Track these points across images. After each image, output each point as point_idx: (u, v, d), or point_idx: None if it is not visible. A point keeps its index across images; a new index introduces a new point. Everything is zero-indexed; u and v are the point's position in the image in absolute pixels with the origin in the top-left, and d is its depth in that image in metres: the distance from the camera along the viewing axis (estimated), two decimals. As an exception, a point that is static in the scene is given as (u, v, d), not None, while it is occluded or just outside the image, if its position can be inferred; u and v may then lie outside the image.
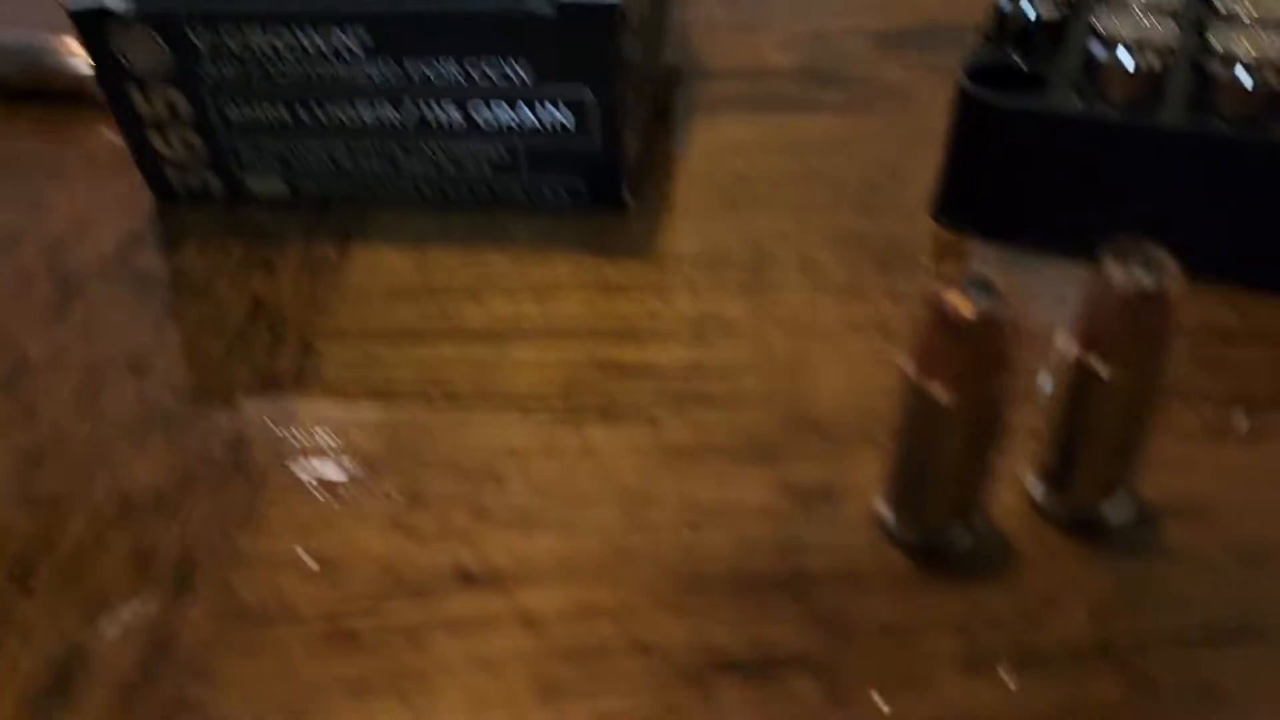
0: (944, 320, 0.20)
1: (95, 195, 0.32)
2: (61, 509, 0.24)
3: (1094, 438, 0.22)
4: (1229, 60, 0.27)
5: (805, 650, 0.21)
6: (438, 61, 0.29)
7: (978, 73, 0.30)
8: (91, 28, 0.29)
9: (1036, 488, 0.23)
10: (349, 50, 0.29)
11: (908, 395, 0.21)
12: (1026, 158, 0.29)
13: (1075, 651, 0.21)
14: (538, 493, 0.24)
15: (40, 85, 0.36)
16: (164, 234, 0.31)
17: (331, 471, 0.24)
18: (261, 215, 0.32)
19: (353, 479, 0.24)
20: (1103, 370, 0.21)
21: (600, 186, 0.31)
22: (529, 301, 0.28)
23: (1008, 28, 0.30)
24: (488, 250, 0.30)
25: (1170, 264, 0.20)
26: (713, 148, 0.34)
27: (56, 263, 0.30)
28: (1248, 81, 0.27)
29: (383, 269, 0.30)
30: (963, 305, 0.20)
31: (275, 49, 0.29)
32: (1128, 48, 0.27)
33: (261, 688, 0.21)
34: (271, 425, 0.25)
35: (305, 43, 0.29)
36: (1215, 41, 0.27)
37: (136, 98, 0.30)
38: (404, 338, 0.28)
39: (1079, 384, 0.21)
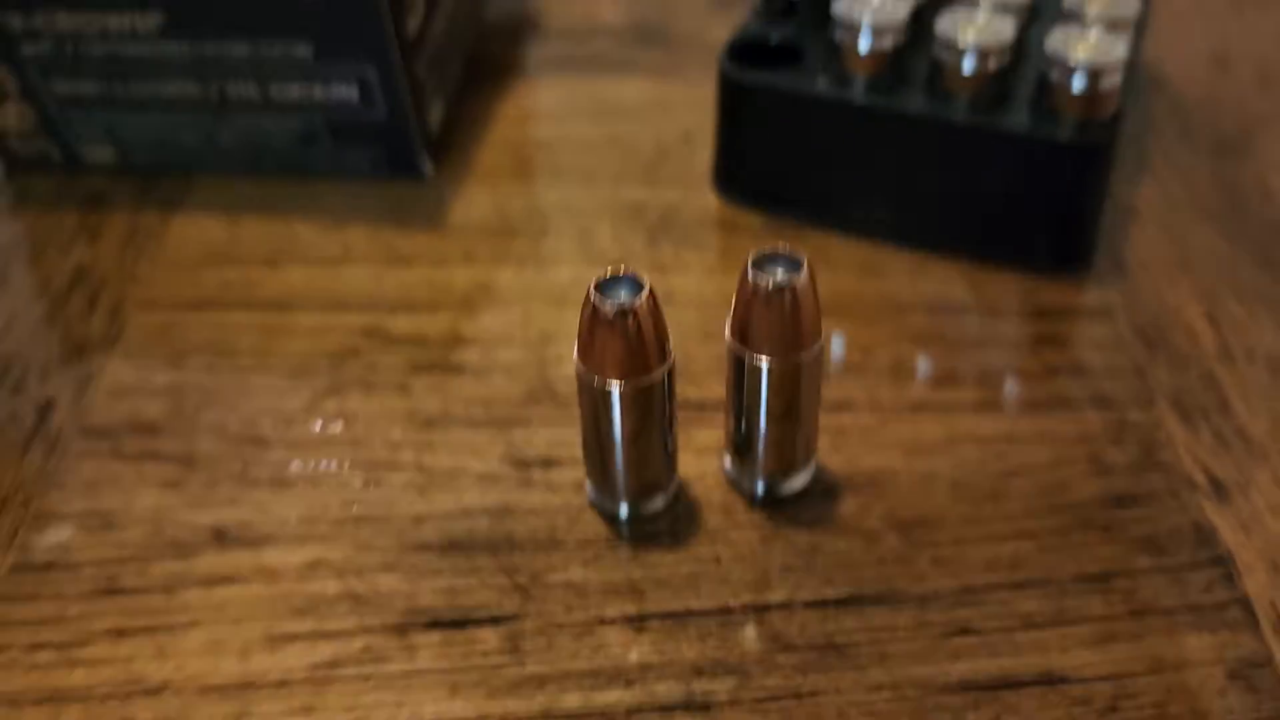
0: (597, 314, 0.21)
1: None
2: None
3: (763, 417, 0.24)
4: (952, 46, 0.28)
5: (497, 607, 0.23)
6: (229, 41, 0.30)
7: (743, 47, 0.31)
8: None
9: (727, 461, 0.25)
10: (148, 31, 0.30)
11: (582, 378, 0.23)
12: (778, 133, 0.30)
13: (725, 612, 0.23)
14: (293, 456, 0.26)
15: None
16: (6, 202, 0.33)
17: (121, 434, 0.26)
18: (98, 182, 0.33)
19: (138, 443, 0.26)
20: (751, 359, 0.22)
21: (398, 157, 0.32)
22: (320, 272, 0.30)
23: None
24: (296, 220, 0.32)
25: (806, 265, 0.22)
26: (523, 112, 0.35)
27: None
28: (970, 67, 0.28)
29: (199, 239, 0.31)
30: (605, 303, 0.21)
31: (82, 30, 0.30)
32: (869, 29, 0.28)
33: (40, 631, 0.23)
34: (74, 389, 0.27)
35: (110, 24, 0.30)
36: (942, 27, 0.28)
37: (-32, 83, 0.31)
38: (205, 305, 0.29)
39: (740, 371, 0.23)
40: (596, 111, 0.35)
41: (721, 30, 0.37)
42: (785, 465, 0.24)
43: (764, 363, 0.22)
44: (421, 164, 0.32)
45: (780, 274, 0.22)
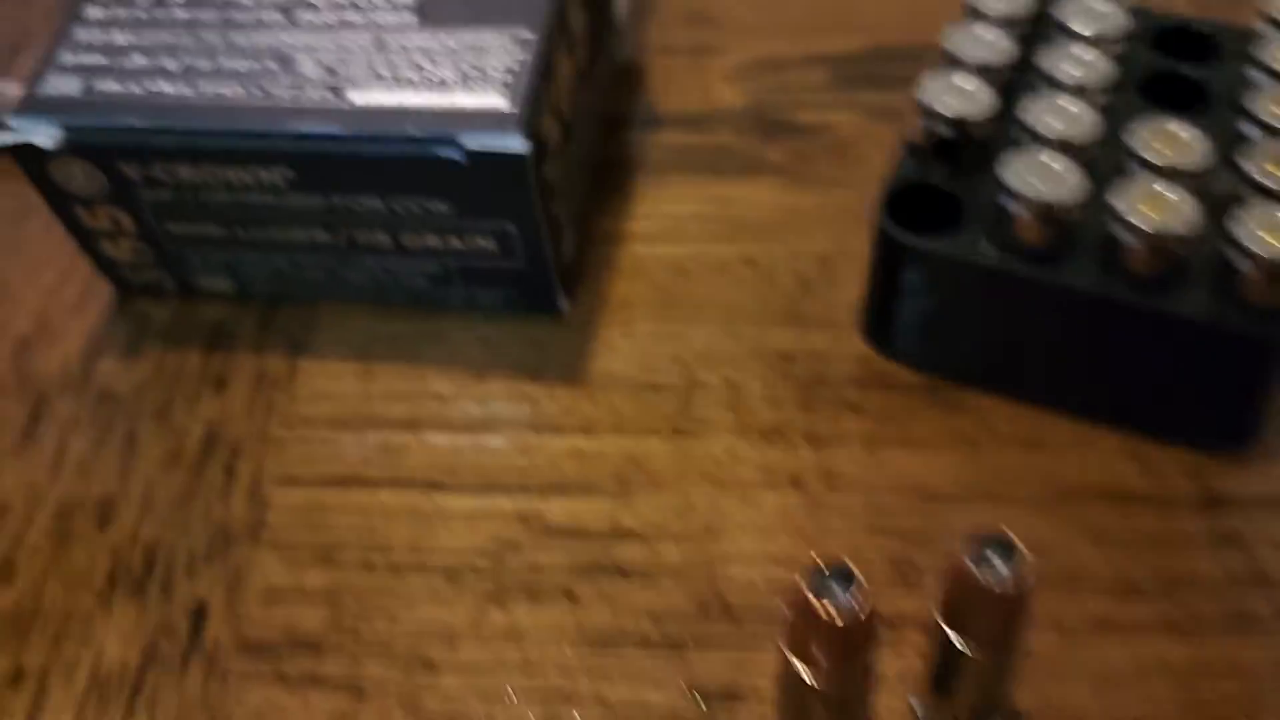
0: (813, 618, 0.20)
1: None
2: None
3: (961, 685, 0.23)
4: (1131, 227, 0.26)
5: None
6: (360, 196, 0.28)
7: (901, 193, 0.29)
8: (28, 159, 0.28)
9: (919, 708, 0.24)
10: (274, 184, 0.28)
11: (782, 667, 0.22)
12: (936, 294, 0.29)
13: None
14: (465, 685, 0.25)
15: None
16: (124, 333, 0.31)
17: (281, 651, 0.25)
18: (216, 311, 0.31)
19: (301, 663, 0.25)
20: (961, 646, 0.22)
21: (534, 296, 0.30)
22: (465, 441, 0.29)
23: (932, 136, 0.29)
24: (429, 369, 0.30)
25: (1025, 557, 0.20)
26: (651, 227, 0.33)
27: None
28: (1146, 247, 0.26)
29: (331, 390, 0.30)
30: (829, 608, 0.20)
31: (204, 181, 0.28)
32: (1041, 205, 0.26)
33: None
34: (225, 589, 0.26)
35: (232, 177, 0.27)
36: (1117, 201, 0.26)
37: (81, 213, 0.29)
38: (349, 483, 0.28)
39: (945, 649, 0.22)
40: (727, 226, 0.33)
41: (844, 117, 0.35)
42: (977, 709, 0.24)
43: (976, 652, 0.22)
44: (558, 302, 0.30)
45: (1003, 569, 0.20)
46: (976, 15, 0.30)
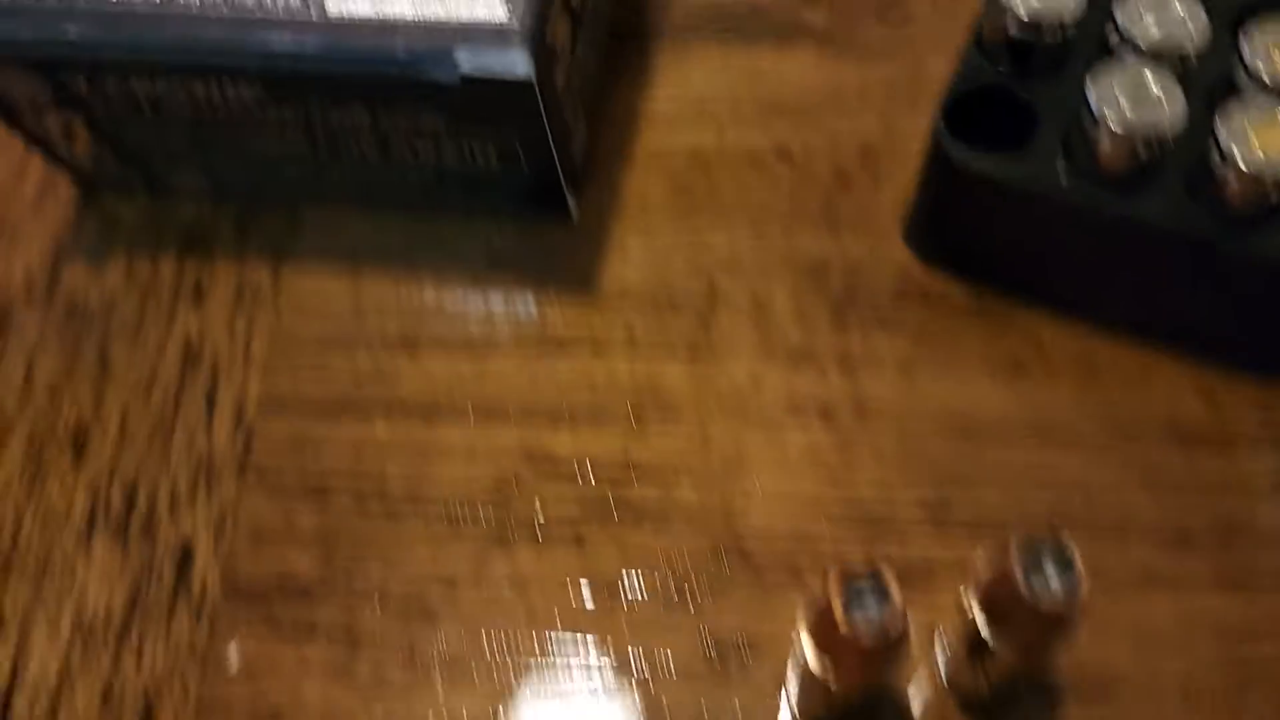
0: (837, 628, 0.18)
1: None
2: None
3: (989, 668, 0.21)
4: (1235, 163, 0.22)
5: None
6: (342, 109, 0.24)
7: (960, 101, 0.25)
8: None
9: (947, 668, 0.23)
10: (242, 100, 0.24)
11: (801, 661, 0.20)
12: (998, 214, 0.25)
13: None
14: (466, 635, 0.23)
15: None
16: (90, 238, 0.28)
17: (273, 598, 0.24)
18: (189, 212, 0.28)
19: (294, 610, 0.24)
20: (993, 644, 0.20)
21: (540, 203, 0.27)
22: (465, 364, 0.26)
23: (1004, 33, 0.25)
24: (427, 280, 0.27)
25: (1081, 576, 0.18)
26: (674, 108, 0.29)
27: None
28: (1251, 186, 0.22)
29: (318, 304, 0.27)
30: (856, 626, 0.18)
31: (162, 95, 0.24)
32: (1131, 130, 0.23)
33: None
34: (213, 536, 0.24)
35: (198, 91, 0.24)
36: (1224, 129, 0.22)
37: (28, 118, 0.26)
38: (340, 411, 0.26)
39: (975, 637, 0.20)
40: (757, 108, 0.29)
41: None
42: (1010, 686, 0.22)
43: (1008, 654, 0.20)
44: (567, 205, 0.27)
45: (1055, 584, 0.18)
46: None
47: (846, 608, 0.17)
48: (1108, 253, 0.25)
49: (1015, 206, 0.25)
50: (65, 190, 0.29)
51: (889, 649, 0.18)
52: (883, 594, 0.18)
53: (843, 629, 0.18)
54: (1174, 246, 0.24)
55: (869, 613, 0.17)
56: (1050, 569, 0.18)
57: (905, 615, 0.18)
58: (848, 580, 0.18)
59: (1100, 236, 0.24)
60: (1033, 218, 0.25)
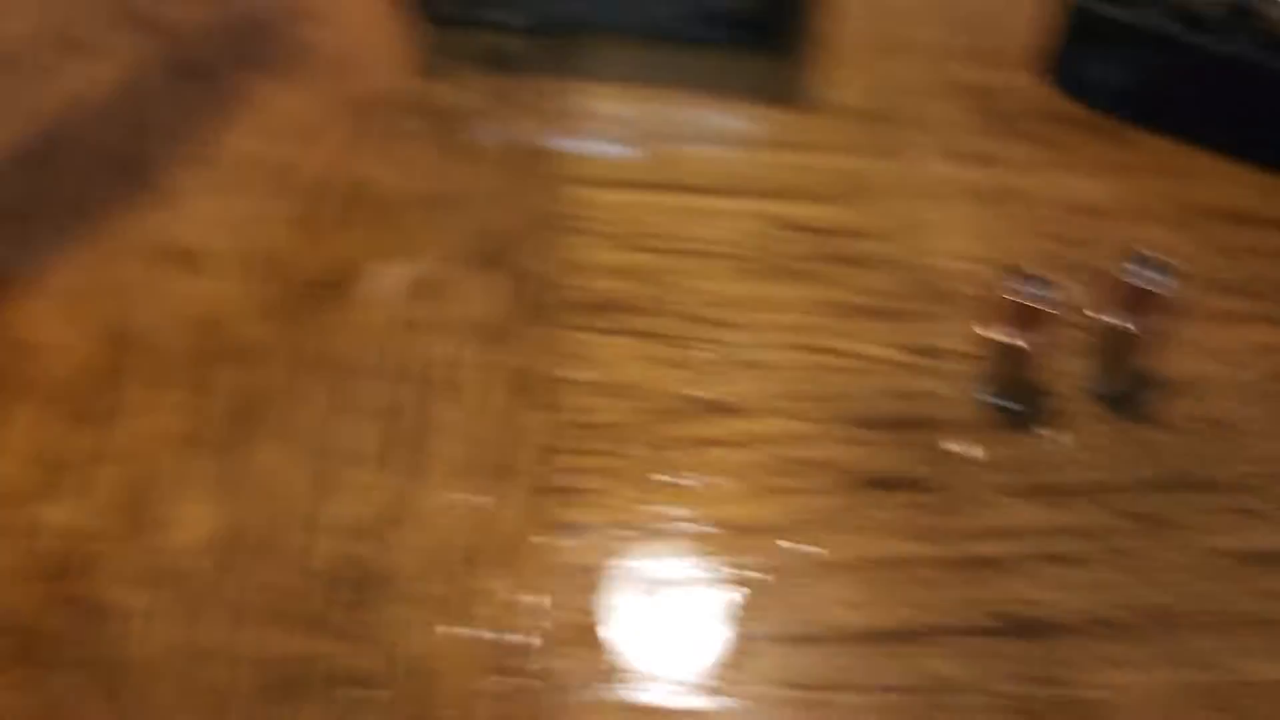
0: (1019, 306, 0.28)
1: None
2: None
3: (1121, 359, 0.31)
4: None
5: (912, 472, 0.31)
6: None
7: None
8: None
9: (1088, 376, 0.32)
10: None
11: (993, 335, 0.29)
12: (1125, 49, 0.35)
13: (1073, 489, 0.31)
14: (750, 339, 0.33)
15: None
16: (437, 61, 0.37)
17: (596, 313, 0.33)
18: (501, 41, 0.38)
19: (612, 320, 0.33)
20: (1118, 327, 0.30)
21: (768, 37, 0.37)
22: (722, 154, 0.36)
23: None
24: (682, 97, 0.37)
25: (1177, 268, 0.28)
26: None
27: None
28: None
29: (608, 110, 0.36)
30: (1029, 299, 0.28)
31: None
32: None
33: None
34: (555, 267, 0.34)
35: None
36: None
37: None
38: (627, 186, 0.35)
39: (1109, 332, 0.30)
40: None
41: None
42: (1131, 375, 0.32)
43: (1137, 331, 0.29)
44: (790, 41, 0.37)
45: (1160, 276, 0.28)
46: None
47: (1019, 289, 0.28)
48: (1206, 82, 0.34)
49: (1143, 45, 0.34)
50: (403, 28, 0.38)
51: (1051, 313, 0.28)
52: (1047, 283, 0.28)
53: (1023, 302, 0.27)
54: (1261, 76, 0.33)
55: (1035, 291, 0.27)
56: (1155, 269, 0.28)
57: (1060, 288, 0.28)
58: (1015, 274, 0.27)
59: (1202, 68, 0.34)
60: (1148, 53, 0.34)
